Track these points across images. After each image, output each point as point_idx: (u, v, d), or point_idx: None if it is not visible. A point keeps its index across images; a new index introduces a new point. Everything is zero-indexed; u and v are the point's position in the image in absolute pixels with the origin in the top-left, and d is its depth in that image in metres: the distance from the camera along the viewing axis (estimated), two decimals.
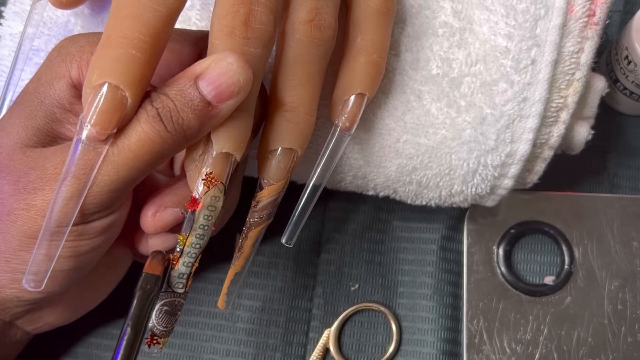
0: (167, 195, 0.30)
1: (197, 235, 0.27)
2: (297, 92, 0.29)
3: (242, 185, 0.34)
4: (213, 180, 0.27)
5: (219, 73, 0.25)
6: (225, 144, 0.27)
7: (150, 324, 0.28)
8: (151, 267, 0.28)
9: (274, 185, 0.29)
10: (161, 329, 0.28)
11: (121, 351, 0.26)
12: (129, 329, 0.26)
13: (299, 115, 0.29)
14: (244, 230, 0.30)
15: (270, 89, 0.29)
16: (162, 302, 0.28)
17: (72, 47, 0.28)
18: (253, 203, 0.30)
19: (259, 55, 0.26)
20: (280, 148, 0.29)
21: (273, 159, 0.29)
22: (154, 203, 0.30)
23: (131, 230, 0.33)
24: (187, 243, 0.27)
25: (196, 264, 0.28)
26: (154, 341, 0.28)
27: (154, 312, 0.28)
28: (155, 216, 0.30)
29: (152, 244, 0.33)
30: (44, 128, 0.28)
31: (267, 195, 0.29)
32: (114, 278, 0.37)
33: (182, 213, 0.30)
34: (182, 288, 0.28)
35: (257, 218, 0.30)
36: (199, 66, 0.26)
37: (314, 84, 0.29)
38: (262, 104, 0.29)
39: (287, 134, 0.29)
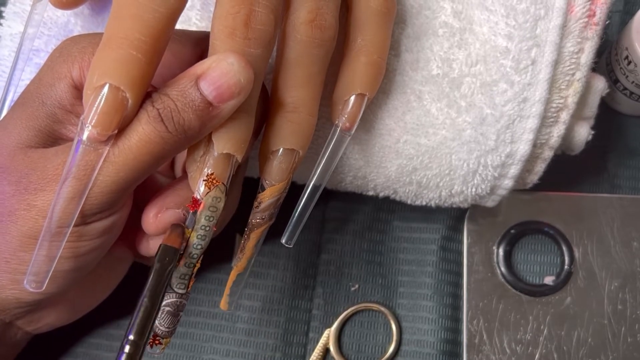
0: (168, 196, 0.30)
1: (199, 236, 0.27)
2: (298, 92, 0.29)
3: (242, 186, 0.34)
4: (214, 181, 0.27)
5: (220, 73, 0.25)
6: (226, 144, 0.27)
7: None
8: (170, 240, 0.28)
9: (275, 185, 0.29)
10: (163, 329, 0.28)
11: (138, 320, 0.26)
12: (145, 300, 0.26)
13: (301, 115, 0.29)
14: (245, 231, 0.30)
15: (271, 90, 0.29)
16: (164, 302, 0.28)
17: (74, 47, 0.28)
18: (255, 204, 0.30)
19: (259, 56, 0.26)
20: (281, 149, 0.29)
21: (274, 160, 0.29)
22: (156, 204, 0.30)
23: (132, 231, 0.33)
24: (188, 244, 0.27)
25: (198, 265, 0.28)
26: (156, 341, 0.28)
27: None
28: (157, 217, 0.30)
29: (154, 245, 0.33)
30: (45, 129, 0.28)
31: (269, 196, 0.29)
32: (114, 278, 0.37)
33: (183, 214, 0.30)
34: (184, 289, 0.28)
35: (259, 219, 0.30)
36: (200, 67, 0.26)
37: (315, 85, 0.29)
38: (263, 105, 0.29)
39: (288, 135, 0.29)
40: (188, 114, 0.26)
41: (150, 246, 0.33)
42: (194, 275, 0.28)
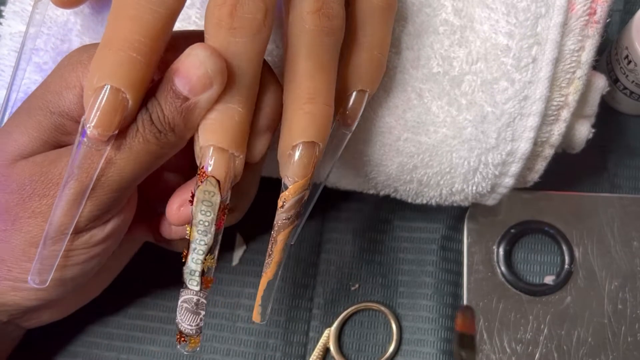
0: (190, 189, 0.30)
1: (199, 232, 0.27)
2: (313, 82, 0.27)
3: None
4: (204, 174, 0.26)
5: (188, 66, 0.25)
6: (210, 136, 0.26)
7: (177, 319, 0.28)
8: None
9: (298, 182, 0.28)
10: (186, 326, 0.28)
11: None
12: None
13: (317, 106, 0.27)
14: (272, 234, 0.29)
15: (283, 83, 0.28)
16: (181, 298, 0.28)
17: (84, 55, 0.28)
18: (279, 204, 0.28)
19: (246, 44, 0.26)
20: (301, 143, 0.27)
21: (295, 155, 0.27)
22: (179, 196, 0.30)
23: (144, 222, 0.33)
24: (190, 239, 0.27)
25: (208, 262, 0.27)
26: (182, 339, 0.28)
27: (177, 309, 0.28)
28: (179, 210, 0.30)
29: (176, 229, 0.33)
30: (51, 140, 0.28)
31: (292, 193, 0.28)
32: (112, 275, 0.37)
33: None
34: (196, 285, 0.28)
35: (285, 219, 0.28)
36: (176, 63, 0.26)
37: (329, 74, 0.28)
38: (276, 99, 0.29)
39: (306, 127, 0.27)
40: (171, 112, 0.26)
41: (174, 231, 0.33)
42: (206, 272, 0.28)
